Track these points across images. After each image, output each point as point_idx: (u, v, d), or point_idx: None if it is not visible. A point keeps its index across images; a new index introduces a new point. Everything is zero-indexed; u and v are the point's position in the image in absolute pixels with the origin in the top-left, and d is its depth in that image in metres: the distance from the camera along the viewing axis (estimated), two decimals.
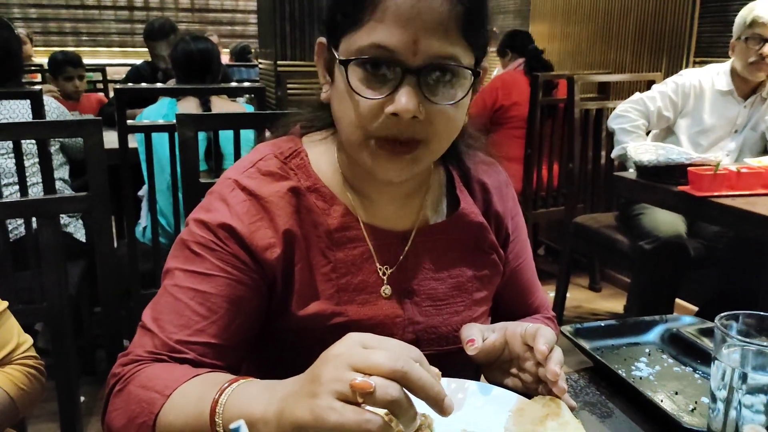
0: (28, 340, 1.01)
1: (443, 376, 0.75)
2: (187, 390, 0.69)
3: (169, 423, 0.68)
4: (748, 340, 0.67)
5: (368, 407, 0.56)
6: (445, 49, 0.72)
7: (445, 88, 0.74)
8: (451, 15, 0.71)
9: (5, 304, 0.96)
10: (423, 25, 0.70)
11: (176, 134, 2.02)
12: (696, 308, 2.77)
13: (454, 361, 0.84)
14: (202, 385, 0.69)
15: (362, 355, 0.57)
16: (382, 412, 0.56)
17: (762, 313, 0.70)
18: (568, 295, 3.03)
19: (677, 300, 2.68)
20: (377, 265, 0.86)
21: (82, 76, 3.67)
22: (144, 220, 2.43)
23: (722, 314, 0.69)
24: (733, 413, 0.67)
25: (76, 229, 2.38)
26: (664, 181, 1.98)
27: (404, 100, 0.71)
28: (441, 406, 0.58)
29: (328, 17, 0.79)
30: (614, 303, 3.29)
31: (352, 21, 0.73)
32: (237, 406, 0.63)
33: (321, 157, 0.87)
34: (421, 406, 0.74)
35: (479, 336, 0.81)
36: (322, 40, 0.82)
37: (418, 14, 0.70)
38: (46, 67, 3.89)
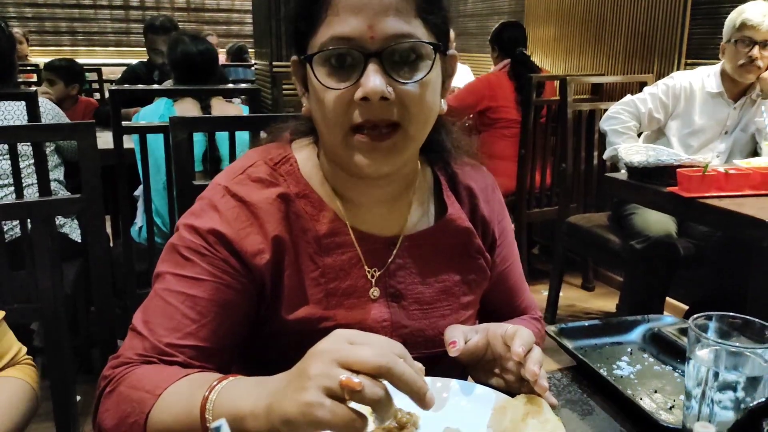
0: (24, 347, 1.03)
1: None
2: (177, 389, 0.71)
3: (160, 421, 0.69)
4: (719, 340, 0.69)
5: (353, 404, 0.58)
6: (401, 28, 0.74)
7: (410, 67, 0.76)
8: None
9: (2, 313, 0.98)
10: (375, 10, 0.73)
11: (171, 135, 2.05)
12: (686, 307, 2.80)
13: (441, 363, 0.86)
14: (191, 384, 0.71)
15: (349, 351, 0.58)
16: (365, 409, 0.58)
17: (734, 314, 0.72)
18: (561, 293, 3.05)
19: (668, 299, 2.71)
20: (366, 268, 0.87)
21: (71, 82, 3.54)
22: (140, 219, 2.45)
23: (696, 315, 0.71)
24: (705, 410, 0.69)
25: (72, 230, 2.40)
26: (654, 182, 2.00)
27: (370, 81, 0.73)
28: (423, 401, 0.60)
29: (292, 30, 0.82)
30: (607, 302, 3.31)
31: (312, 23, 0.77)
32: (227, 402, 0.65)
33: (309, 163, 0.89)
34: (408, 405, 0.76)
35: (461, 338, 0.83)
36: (295, 57, 0.84)
37: (369, 0, 0.73)
38: (41, 67, 3.86)
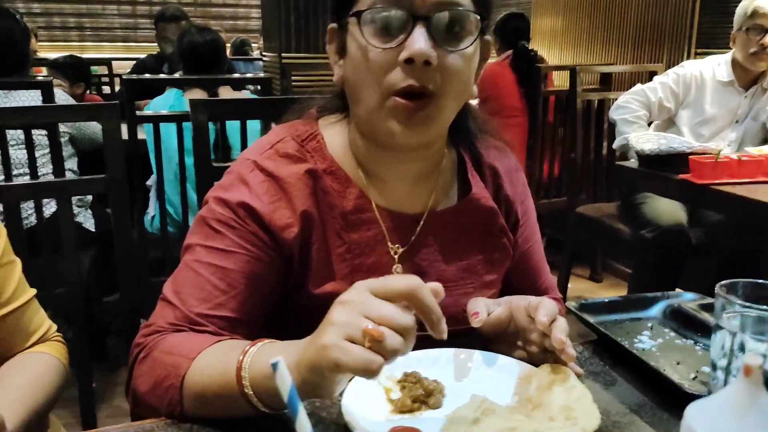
0: (54, 324, 1.04)
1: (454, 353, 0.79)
2: (211, 352, 0.72)
3: (195, 383, 0.71)
4: (747, 304, 0.70)
5: None
6: None
7: (454, 35, 0.78)
8: None
9: (33, 291, 0.99)
10: None
11: (183, 124, 2.06)
12: None
13: (463, 341, 0.86)
14: (225, 348, 0.72)
15: (373, 305, 0.61)
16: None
17: (760, 281, 0.72)
18: (569, 285, 3.06)
19: (678, 288, 2.71)
20: (389, 245, 0.88)
21: (76, 81, 3.38)
22: (152, 209, 2.46)
23: (722, 282, 0.72)
24: (732, 379, 0.70)
25: (85, 219, 2.41)
26: (666, 169, 2.00)
27: (417, 43, 0.74)
28: (439, 328, 0.63)
29: None
30: (615, 293, 3.32)
31: None
32: (261, 363, 0.66)
33: (336, 139, 0.90)
34: (434, 374, 0.77)
35: (484, 309, 0.83)
36: (333, 25, 0.85)
37: None
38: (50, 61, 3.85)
